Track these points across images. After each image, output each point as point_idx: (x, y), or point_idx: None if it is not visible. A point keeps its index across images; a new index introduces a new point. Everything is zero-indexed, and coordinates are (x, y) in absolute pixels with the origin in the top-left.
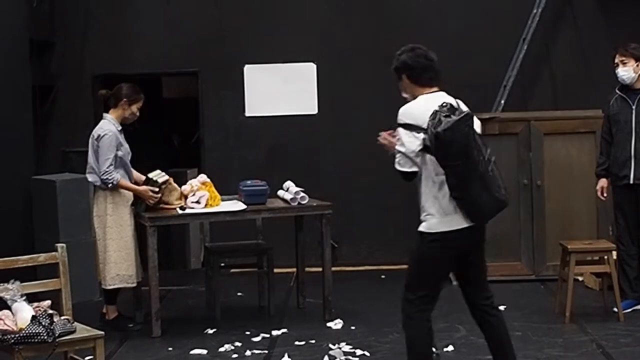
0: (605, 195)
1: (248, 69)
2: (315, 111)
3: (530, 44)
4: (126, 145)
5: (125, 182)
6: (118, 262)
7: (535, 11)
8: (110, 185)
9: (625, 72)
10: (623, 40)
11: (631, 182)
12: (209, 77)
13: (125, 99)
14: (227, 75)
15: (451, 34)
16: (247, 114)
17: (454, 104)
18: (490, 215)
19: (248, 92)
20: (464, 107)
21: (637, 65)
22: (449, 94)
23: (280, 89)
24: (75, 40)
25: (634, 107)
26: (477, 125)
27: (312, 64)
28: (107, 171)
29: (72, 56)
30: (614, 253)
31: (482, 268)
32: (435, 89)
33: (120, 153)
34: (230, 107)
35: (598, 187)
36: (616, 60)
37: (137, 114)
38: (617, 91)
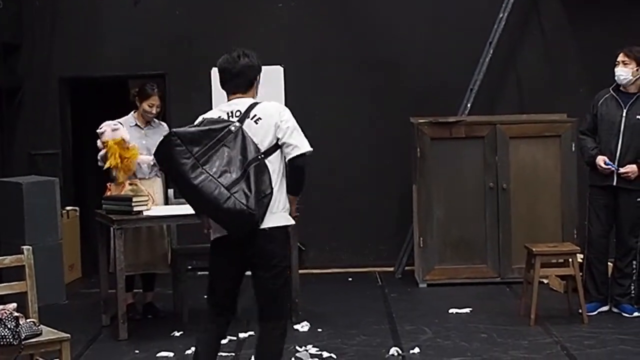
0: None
1: (215, 71)
2: None
3: (496, 47)
4: (134, 142)
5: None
6: None
7: (501, 15)
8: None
9: (624, 72)
10: (589, 45)
11: (614, 183)
12: (176, 79)
13: (136, 97)
14: (195, 78)
15: (418, 38)
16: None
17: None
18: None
19: (215, 95)
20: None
21: (637, 69)
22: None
23: None
24: (42, 42)
25: (625, 110)
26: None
27: (279, 67)
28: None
29: (39, 58)
30: (579, 256)
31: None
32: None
33: None
34: (197, 110)
35: (600, 162)
36: (618, 59)
37: (153, 110)
38: (611, 90)
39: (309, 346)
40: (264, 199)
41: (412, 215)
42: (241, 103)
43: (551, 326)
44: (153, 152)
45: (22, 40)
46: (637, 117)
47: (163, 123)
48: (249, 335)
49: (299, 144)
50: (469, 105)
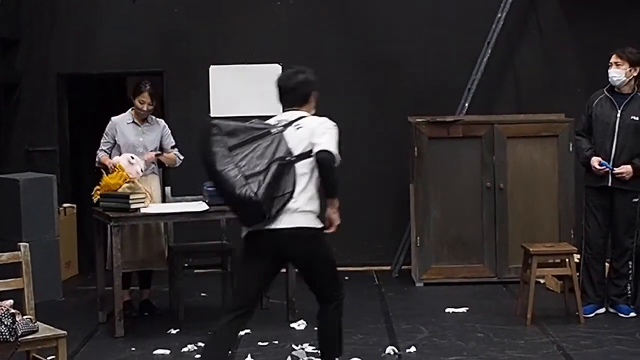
0: (599, 164)
1: (213, 69)
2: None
3: (494, 47)
4: (131, 138)
5: (105, 159)
6: None
7: (500, 15)
8: (97, 161)
9: (617, 73)
10: (587, 45)
11: (609, 184)
12: (174, 77)
13: (131, 95)
14: (192, 75)
15: (417, 37)
16: (212, 115)
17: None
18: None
19: (213, 92)
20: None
21: (630, 70)
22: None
23: (246, 90)
24: (40, 38)
25: (619, 111)
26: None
27: (277, 65)
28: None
29: (37, 54)
30: (576, 256)
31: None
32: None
33: (121, 142)
34: (195, 108)
35: (594, 162)
36: (611, 61)
37: (144, 107)
38: (605, 91)
39: (306, 345)
40: (281, 197)
41: (409, 215)
42: (292, 116)
43: (547, 326)
44: (150, 149)
45: (20, 36)
46: (632, 117)
47: (161, 120)
48: (246, 334)
49: (324, 143)
50: (466, 104)
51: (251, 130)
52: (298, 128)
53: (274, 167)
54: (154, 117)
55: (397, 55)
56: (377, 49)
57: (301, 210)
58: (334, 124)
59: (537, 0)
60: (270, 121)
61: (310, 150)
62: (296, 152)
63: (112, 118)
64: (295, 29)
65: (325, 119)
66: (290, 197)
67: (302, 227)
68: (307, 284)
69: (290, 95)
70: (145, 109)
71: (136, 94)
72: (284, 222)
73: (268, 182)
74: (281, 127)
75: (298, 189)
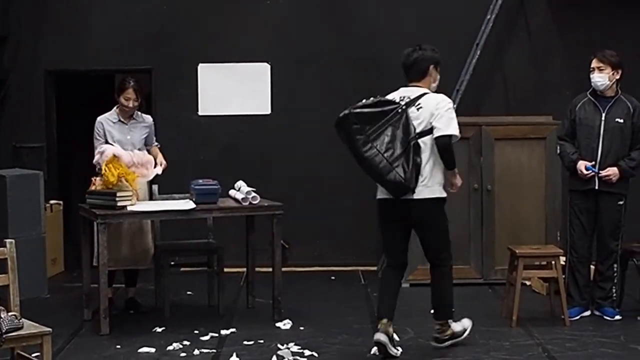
0: (586, 168)
1: (202, 67)
2: (268, 111)
3: (483, 49)
4: (118, 136)
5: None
6: None
7: (489, 17)
8: (97, 165)
9: (601, 78)
10: (576, 48)
11: (596, 187)
12: (162, 75)
13: (115, 93)
14: (181, 73)
15: (406, 38)
16: (200, 113)
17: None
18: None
19: (202, 91)
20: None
21: (613, 74)
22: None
23: (234, 89)
24: (29, 34)
25: (604, 114)
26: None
27: (266, 64)
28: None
29: (25, 51)
30: (562, 258)
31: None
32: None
33: (109, 141)
34: (183, 106)
35: (581, 167)
36: (593, 65)
37: (129, 104)
38: (589, 95)
39: (291, 344)
40: (417, 173)
41: None
42: (414, 91)
43: (533, 328)
44: (138, 146)
45: (8, 32)
46: (616, 120)
47: (148, 116)
48: (231, 332)
49: (443, 127)
50: (455, 106)
51: (382, 115)
52: (419, 108)
53: (410, 150)
54: (139, 113)
55: (386, 55)
56: (366, 49)
57: (427, 183)
58: (449, 102)
59: (527, 3)
60: (395, 97)
61: (430, 129)
62: (418, 130)
63: (98, 118)
64: (284, 28)
65: (442, 97)
66: (421, 171)
67: (426, 199)
68: (423, 248)
69: (409, 71)
70: (130, 105)
71: (120, 92)
72: (420, 193)
73: (411, 166)
74: (404, 107)
75: (423, 162)
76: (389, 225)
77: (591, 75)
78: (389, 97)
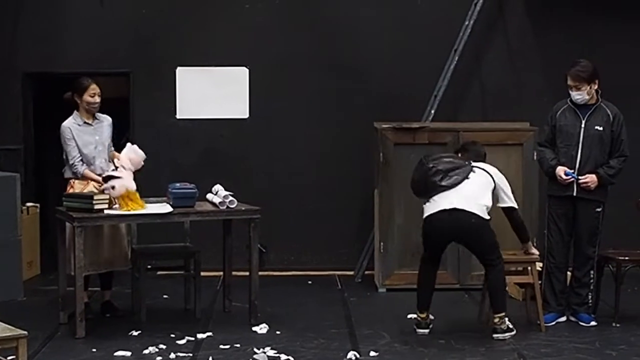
0: (565, 173)
1: (180, 71)
2: (246, 115)
3: (461, 55)
4: (88, 138)
5: (89, 173)
6: None
7: (467, 23)
8: (79, 175)
9: (580, 95)
10: (553, 54)
11: (574, 194)
12: (140, 78)
13: (75, 94)
14: (159, 77)
15: (384, 43)
16: (178, 117)
17: None
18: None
19: (180, 94)
20: None
21: (590, 87)
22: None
23: (212, 93)
24: (6, 37)
25: (583, 121)
26: None
27: (244, 68)
28: (73, 163)
29: (2, 53)
30: (538, 264)
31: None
32: None
33: (79, 144)
34: (161, 109)
35: (560, 172)
36: (569, 83)
37: (96, 99)
38: (569, 102)
39: (267, 348)
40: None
41: (373, 220)
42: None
43: None
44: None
45: None
46: (596, 127)
47: (106, 116)
48: (207, 336)
49: (508, 199)
50: (432, 111)
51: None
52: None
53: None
54: (98, 114)
55: (364, 60)
56: (344, 54)
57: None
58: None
59: (505, 9)
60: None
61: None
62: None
63: (63, 124)
64: (263, 33)
65: (495, 170)
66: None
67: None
68: (474, 253)
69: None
70: (97, 100)
71: (84, 90)
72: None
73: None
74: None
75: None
76: (431, 238)
77: (570, 93)
78: None
